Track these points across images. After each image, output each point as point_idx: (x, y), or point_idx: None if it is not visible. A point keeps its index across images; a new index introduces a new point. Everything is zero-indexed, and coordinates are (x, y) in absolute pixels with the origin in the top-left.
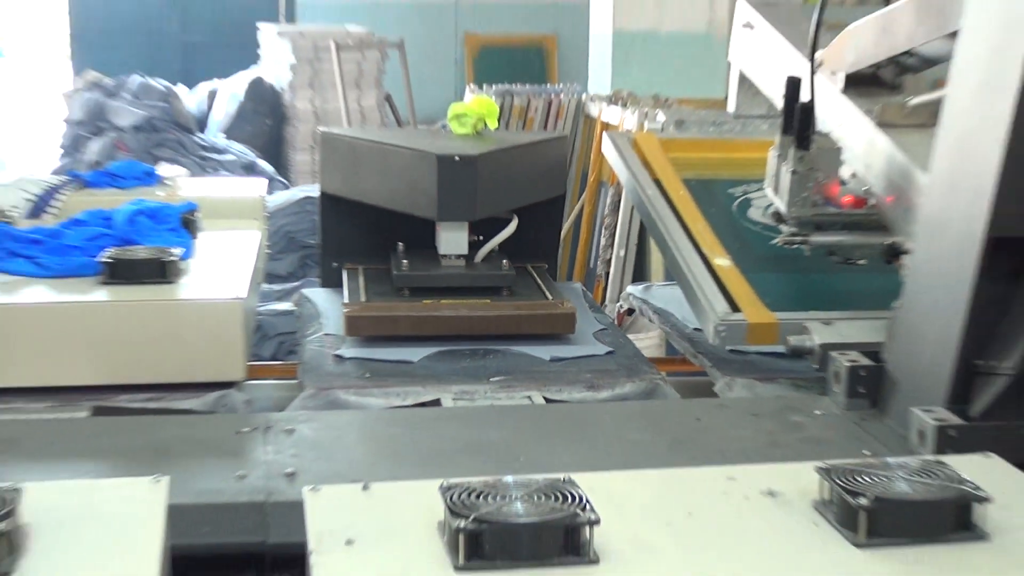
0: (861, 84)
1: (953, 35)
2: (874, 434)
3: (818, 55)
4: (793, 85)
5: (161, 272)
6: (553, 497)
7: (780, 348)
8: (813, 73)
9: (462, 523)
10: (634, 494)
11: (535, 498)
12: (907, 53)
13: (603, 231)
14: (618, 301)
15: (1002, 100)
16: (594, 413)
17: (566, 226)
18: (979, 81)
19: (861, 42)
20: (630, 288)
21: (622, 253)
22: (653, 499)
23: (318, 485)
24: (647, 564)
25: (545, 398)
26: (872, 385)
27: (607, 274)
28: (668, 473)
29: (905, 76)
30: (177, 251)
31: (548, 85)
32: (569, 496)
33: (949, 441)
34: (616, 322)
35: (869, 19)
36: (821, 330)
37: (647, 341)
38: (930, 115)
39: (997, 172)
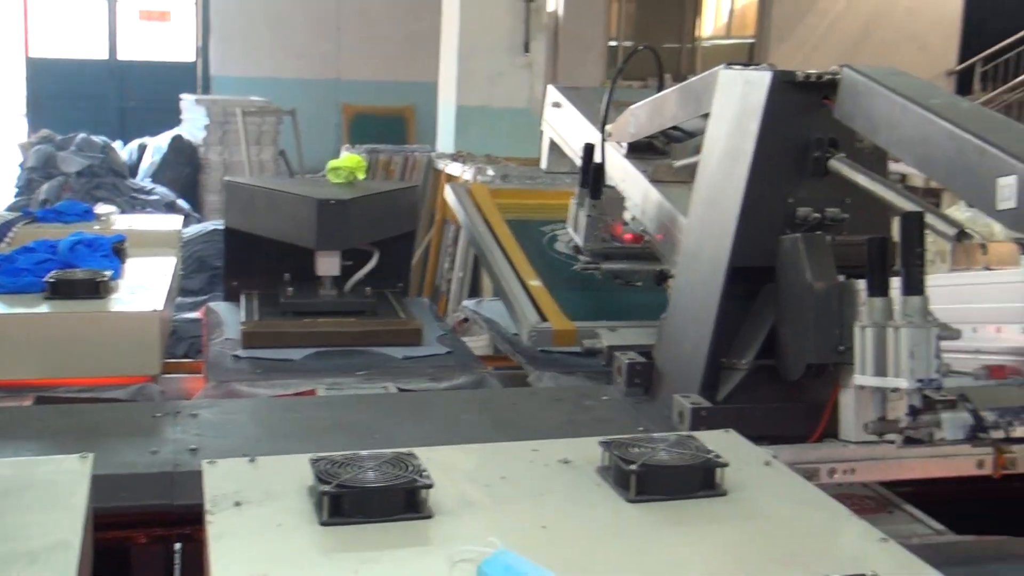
0: (639, 150)
1: (706, 116)
2: (647, 414)
3: (608, 128)
4: (589, 150)
5: (95, 290)
6: (398, 467)
7: (578, 348)
8: (604, 142)
9: (326, 488)
10: (461, 463)
11: (384, 468)
12: (674, 128)
13: (447, 258)
14: (456, 312)
15: (741, 165)
16: (435, 399)
17: (418, 254)
18: (723, 150)
19: (639, 119)
20: (465, 302)
21: (461, 275)
22: (476, 467)
23: (215, 459)
24: (470, 517)
25: (398, 388)
26: (645, 377)
27: (448, 291)
28: (487, 447)
29: (672, 145)
30: (108, 273)
31: (406, 145)
32: (410, 466)
33: (701, 420)
34: (454, 329)
35: (645, 102)
36: (608, 335)
37: (478, 343)
38: (690, 174)
39: (737, 218)
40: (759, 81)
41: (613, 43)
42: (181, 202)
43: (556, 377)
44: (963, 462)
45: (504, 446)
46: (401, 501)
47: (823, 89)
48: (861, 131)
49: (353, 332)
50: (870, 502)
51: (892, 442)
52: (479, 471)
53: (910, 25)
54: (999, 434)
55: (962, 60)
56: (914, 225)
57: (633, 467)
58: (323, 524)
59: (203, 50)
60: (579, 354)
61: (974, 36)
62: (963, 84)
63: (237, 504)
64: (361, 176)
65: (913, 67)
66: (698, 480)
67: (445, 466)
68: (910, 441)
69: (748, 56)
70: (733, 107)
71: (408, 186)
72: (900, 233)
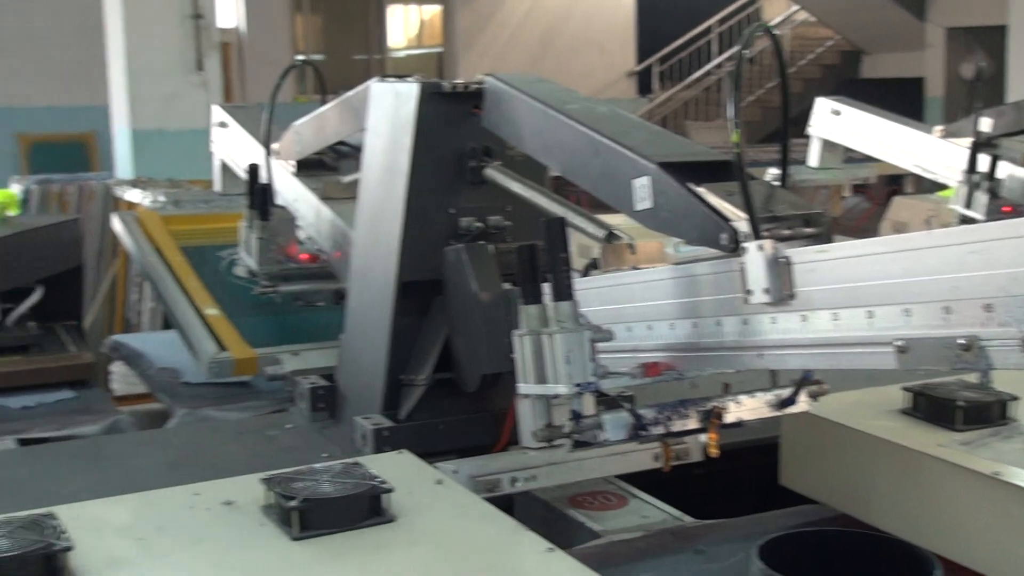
0: (309, 167)
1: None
2: (333, 439)
3: (276, 146)
4: (254, 170)
5: None
6: (33, 531)
7: (241, 378)
8: (268, 160)
9: None
10: (112, 517)
11: (17, 535)
12: (340, 143)
13: (135, 289)
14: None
15: (399, 179)
16: (106, 445)
17: (105, 286)
18: (381, 164)
19: (303, 136)
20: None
21: (152, 305)
22: (128, 521)
23: None
24: None
25: (19, 440)
26: (329, 400)
27: (139, 323)
28: (143, 495)
29: (341, 160)
30: None
31: (81, 173)
32: (47, 528)
33: (384, 440)
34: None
35: (307, 119)
36: (291, 359)
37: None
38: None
39: (400, 232)
40: (407, 93)
41: (302, 57)
42: None
43: (206, 413)
44: (640, 457)
45: (162, 493)
46: (38, 570)
47: (472, 99)
48: (508, 139)
49: (18, 371)
50: (612, 498)
51: None
52: (131, 525)
53: (588, 31)
54: (659, 430)
55: (640, 61)
56: (557, 230)
57: (294, 503)
58: None
59: None
60: (231, 384)
61: (648, 39)
62: (643, 84)
63: None
64: (14, 211)
65: (596, 70)
66: (363, 509)
67: (93, 523)
68: (579, 444)
69: (437, 65)
70: (387, 121)
71: (68, 219)
72: (545, 239)
